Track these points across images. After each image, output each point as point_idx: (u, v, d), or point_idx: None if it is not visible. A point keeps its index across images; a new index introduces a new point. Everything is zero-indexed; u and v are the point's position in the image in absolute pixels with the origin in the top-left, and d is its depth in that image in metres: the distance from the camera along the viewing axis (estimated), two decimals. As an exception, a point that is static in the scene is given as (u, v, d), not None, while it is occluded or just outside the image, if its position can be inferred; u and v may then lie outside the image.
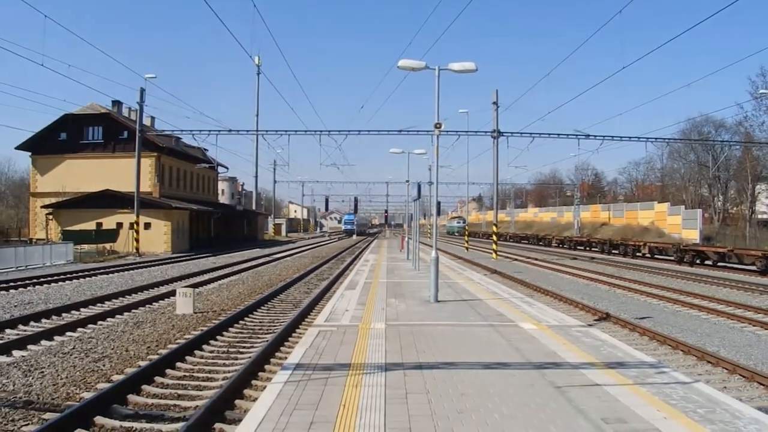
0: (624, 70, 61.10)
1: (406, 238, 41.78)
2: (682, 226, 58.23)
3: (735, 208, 76.35)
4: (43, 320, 17.73)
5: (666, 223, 61.61)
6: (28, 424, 8.65)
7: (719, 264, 40.12)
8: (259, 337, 15.62)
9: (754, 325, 17.95)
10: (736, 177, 74.04)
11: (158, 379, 11.13)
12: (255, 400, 8.46)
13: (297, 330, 16.13)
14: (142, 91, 47.68)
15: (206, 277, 30.87)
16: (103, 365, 12.20)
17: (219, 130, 47.52)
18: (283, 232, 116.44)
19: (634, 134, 47.92)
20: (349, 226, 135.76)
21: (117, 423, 8.70)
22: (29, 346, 13.96)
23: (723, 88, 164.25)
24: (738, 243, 50.80)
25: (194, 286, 23.69)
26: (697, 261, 42.24)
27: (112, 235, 50.67)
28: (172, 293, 21.68)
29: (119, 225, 51.60)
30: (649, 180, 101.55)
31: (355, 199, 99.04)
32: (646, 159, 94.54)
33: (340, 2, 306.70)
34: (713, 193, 76.96)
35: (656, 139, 51.12)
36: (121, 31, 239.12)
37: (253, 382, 10.91)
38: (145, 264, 39.30)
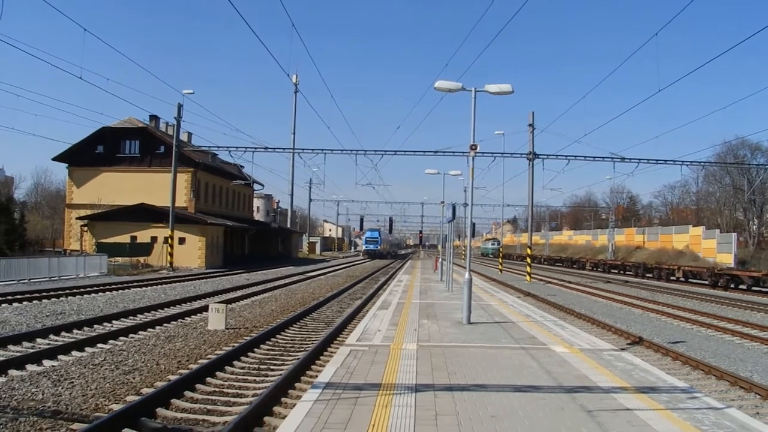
0: (660, 93, 60.11)
1: (440, 260, 41.66)
2: (717, 250, 57.56)
3: (770, 232, 75.42)
4: (75, 331, 17.92)
5: (701, 247, 60.89)
6: (56, 435, 8.70)
7: (754, 288, 39.66)
8: (290, 355, 15.62)
9: (790, 352, 17.59)
10: (771, 200, 73.26)
11: (188, 393, 11.15)
12: (284, 417, 8.43)
13: (328, 349, 16.06)
14: (180, 106, 48.33)
15: (239, 293, 30.99)
16: (133, 378, 12.28)
17: (255, 148, 47.64)
18: (318, 251, 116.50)
19: (670, 157, 47.22)
20: (371, 246, 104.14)
21: (146, 436, 8.72)
22: (60, 356, 14.08)
23: (759, 111, 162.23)
24: (773, 267, 50.07)
25: (227, 302, 23.72)
26: (732, 285, 41.74)
27: (146, 248, 51.14)
28: (205, 308, 21.77)
29: (153, 239, 52.13)
30: (684, 203, 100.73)
31: (390, 219, 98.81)
32: (681, 182, 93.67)
33: (379, 28, 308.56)
34: (748, 216, 76.15)
35: (692, 162, 50.41)
36: (160, 47, 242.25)
37: (283, 399, 10.88)
38: (179, 278, 39.64)
